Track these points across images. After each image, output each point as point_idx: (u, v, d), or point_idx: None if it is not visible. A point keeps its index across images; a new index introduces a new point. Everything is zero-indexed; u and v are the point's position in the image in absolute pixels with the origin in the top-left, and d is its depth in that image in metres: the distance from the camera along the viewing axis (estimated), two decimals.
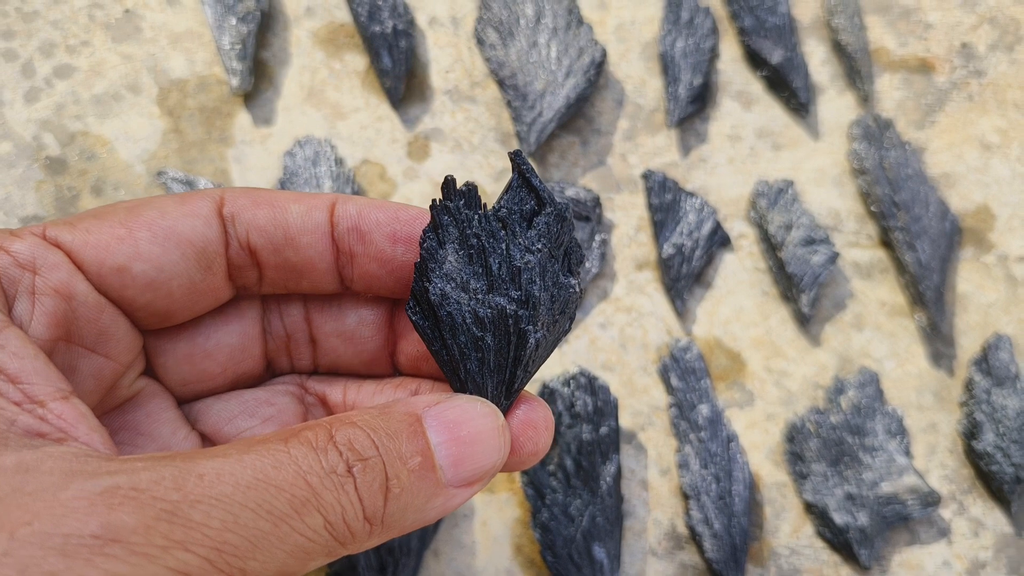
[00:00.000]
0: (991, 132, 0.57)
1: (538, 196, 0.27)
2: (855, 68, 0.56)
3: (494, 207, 0.27)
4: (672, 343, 0.50)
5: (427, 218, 0.27)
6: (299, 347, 0.30)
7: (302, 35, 0.54)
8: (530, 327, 0.26)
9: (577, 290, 0.27)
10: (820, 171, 0.55)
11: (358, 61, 0.54)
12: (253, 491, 0.20)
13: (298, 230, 0.27)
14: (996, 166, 0.56)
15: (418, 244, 0.27)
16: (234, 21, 0.49)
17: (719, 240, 0.52)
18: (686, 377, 0.49)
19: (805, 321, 0.51)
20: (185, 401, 0.30)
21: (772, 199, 0.53)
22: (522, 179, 0.27)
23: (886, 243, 0.54)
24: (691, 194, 0.52)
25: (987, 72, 0.59)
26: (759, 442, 0.49)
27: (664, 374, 0.49)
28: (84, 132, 0.51)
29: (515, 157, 0.27)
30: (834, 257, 0.51)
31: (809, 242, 0.52)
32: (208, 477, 0.20)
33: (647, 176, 0.52)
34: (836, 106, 0.57)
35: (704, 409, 0.48)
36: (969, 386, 0.51)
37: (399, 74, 0.51)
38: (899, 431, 0.49)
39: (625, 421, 0.49)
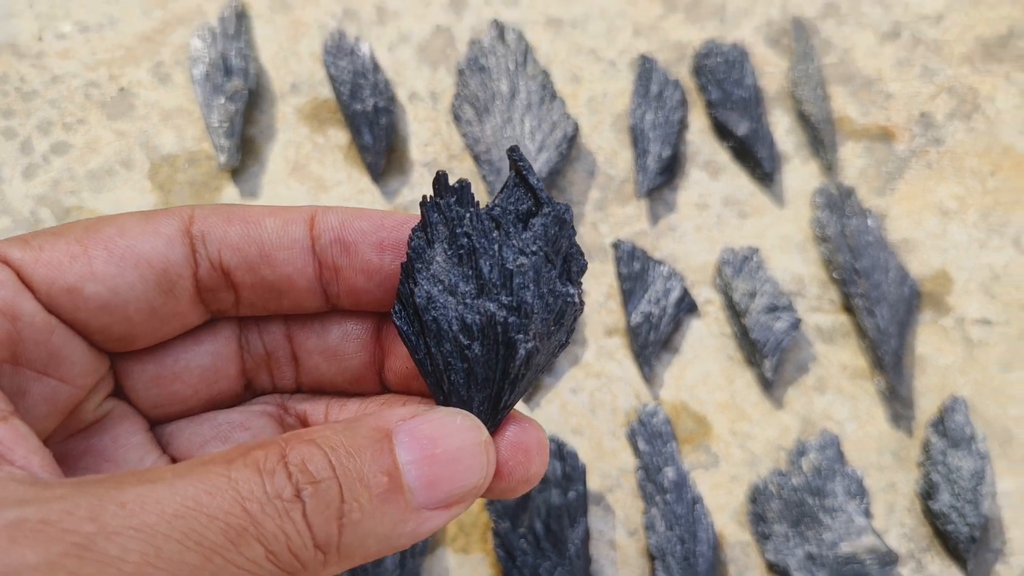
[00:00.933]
0: (949, 198, 0.60)
1: (536, 196, 0.25)
2: (818, 138, 0.59)
3: (488, 206, 0.25)
4: (640, 408, 0.53)
5: (414, 224, 0.26)
6: (280, 365, 0.29)
7: (287, 111, 0.57)
8: (520, 336, 0.24)
9: (576, 300, 0.25)
10: (784, 238, 0.58)
11: (341, 136, 0.57)
12: (180, 520, 0.19)
13: (274, 246, 0.26)
14: (954, 231, 0.59)
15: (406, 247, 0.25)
16: (222, 100, 0.52)
17: (686, 307, 0.55)
18: (653, 441, 0.51)
19: (768, 385, 0.53)
20: (159, 423, 0.28)
21: (737, 267, 0.55)
22: (519, 177, 0.25)
23: (848, 308, 0.56)
24: (659, 262, 0.55)
25: (945, 140, 0.62)
26: (723, 503, 0.52)
27: (632, 438, 0.52)
28: (79, 207, 0.53)
29: (512, 154, 0.25)
30: (796, 323, 0.54)
31: (772, 309, 0.54)
32: (130, 505, 0.19)
33: (616, 246, 0.55)
34: (800, 174, 0.59)
35: (670, 472, 0.51)
36: (926, 447, 0.53)
37: (379, 150, 0.54)
38: (859, 492, 0.52)
39: (594, 483, 0.51)
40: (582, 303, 0.25)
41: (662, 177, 0.57)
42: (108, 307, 0.24)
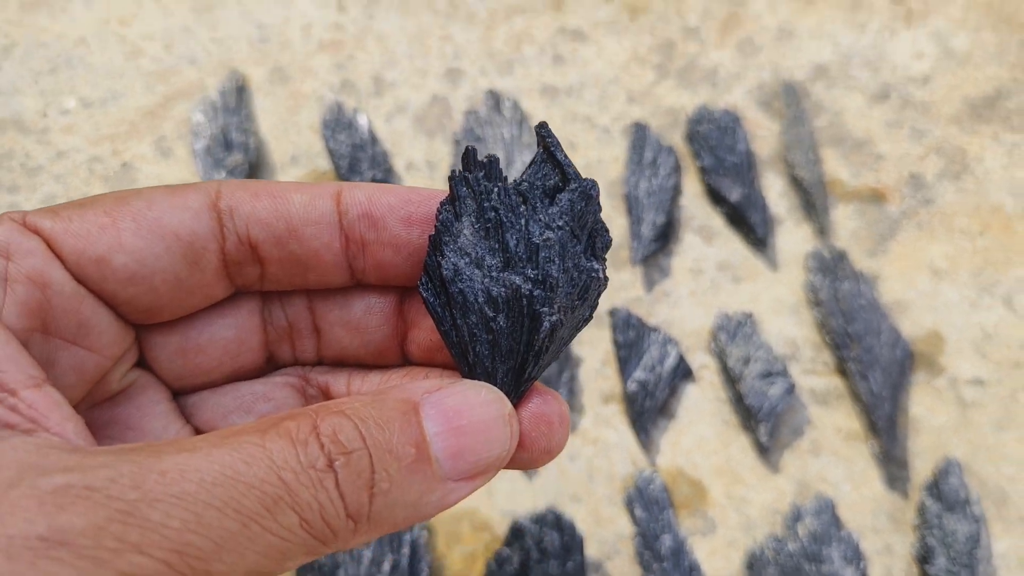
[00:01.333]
0: (940, 258, 0.61)
1: (563, 171, 0.25)
2: (811, 201, 0.60)
3: (515, 181, 0.26)
4: (636, 475, 0.53)
5: (440, 198, 0.26)
6: (302, 338, 0.29)
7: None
8: (545, 309, 0.24)
9: (600, 275, 0.25)
10: (778, 301, 0.59)
11: None
12: (219, 488, 0.19)
13: (302, 220, 0.26)
14: (945, 291, 0.60)
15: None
16: (223, 174, 0.53)
17: (682, 372, 0.55)
18: (650, 508, 0.52)
19: (764, 450, 0.54)
20: (182, 394, 0.29)
21: (731, 332, 0.56)
22: (547, 153, 0.26)
23: (841, 371, 0.57)
24: (654, 329, 0.56)
25: (935, 200, 0.63)
26: (720, 569, 0.52)
27: (629, 505, 0.53)
28: None
29: (540, 130, 0.26)
30: (791, 389, 0.55)
31: (767, 375, 0.55)
32: (171, 474, 0.19)
33: (612, 313, 0.56)
34: (793, 237, 0.60)
35: (667, 540, 0.51)
36: (921, 511, 0.54)
37: None
38: (855, 556, 0.52)
39: (592, 550, 0.52)
40: (606, 278, 0.26)
41: (657, 244, 0.58)
42: (135, 278, 0.25)
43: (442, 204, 0.25)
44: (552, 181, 0.25)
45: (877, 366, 0.56)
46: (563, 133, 0.61)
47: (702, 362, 0.57)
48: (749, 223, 0.59)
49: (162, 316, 0.26)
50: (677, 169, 0.60)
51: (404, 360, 0.29)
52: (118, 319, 0.26)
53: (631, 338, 0.56)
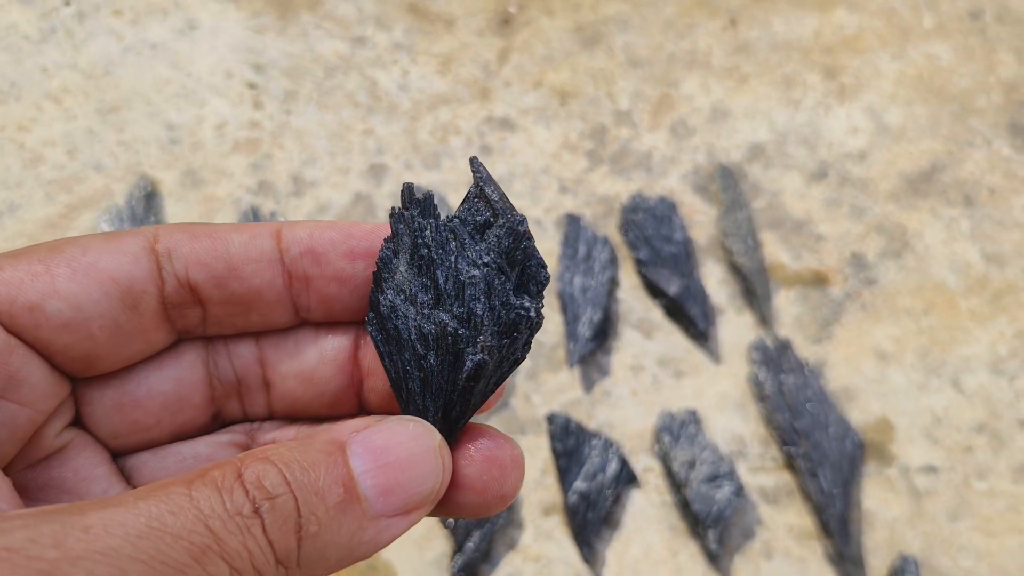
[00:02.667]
0: (886, 340, 0.60)
1: (492, 207, 0.25)
2: (751, 289, 0.59)
3: (448, 217, 0.26)
4: None
5: (382, 232, 0.27)
6: (251, 392, 0.28)
7: None
8: (468, 348, 0.24)
9: (531, 313, 0.25)
10: (723, 396, 0.57)
11: None
12: (145, 541, 0.19)
13: (242, 259, 0.26)
14: (892, 375, 0.59)
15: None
16: None
17: (625, 478, 0.53)
18: None
19: (714, 557, 0.52)
20: (122, 454, 0.28)
21: (675, 434, 0.54)
22: (478, 188, 0.26)
23: (791, 466, 0.55)
24: (595, 434, 0.54)
25: (878, 280, 0.62)
26: None
27: None
28: None
29: (473, 164, 0.26)
30: (739, 491, 0.53)
31: (713, 478, 0.53)
32: (94, 530, 0.19)
33: (550, 420, 0.54)
34: (736, 327, 0.59)
35: None
36: None
37: None
38: None
39: None
40: (539, 316, 0.25)
41: (594, 343, 0.56)
42: (71, 325, 0.24)
43: (384, 241, 0.26)
44: (483, 217, 0.26)
45: (827, 463, 0.55)
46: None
47: (646, 464, 0.55)
48: (689, 316, 0.58)
49: (99, 366, 0.26)
50: (613, 261, 0.59)
51: (361, 410, 0.29)
52: (52, 370, 0.25)
53: (570, 446, 0.53)
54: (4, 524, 0.19)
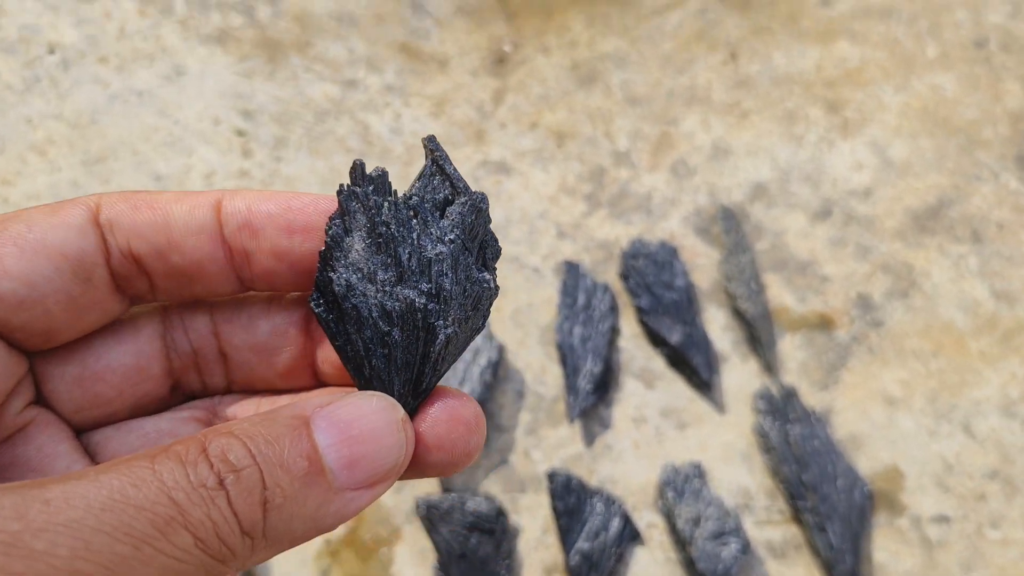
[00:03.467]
0: (894, 384, 0.59)
1: (452, 184, 0.26)
2: (756, 335, 0.58)
3: (405, 195, 0.26)
4: None
5: (322, 205, 0.27)
6: (209, 364, 0.29)
7: None
8: (440, 322, 0.25)
9: (491, 285, 0.26)
10: (727, 446, 0.56)
11: None
12: (108, 513, 0.19)
13: (182, 232, 0.26)
14: (901, 421, 0.58)
15: (319, 232, 0.26)
16: None
17: (628, 536, 0.52)
18: None
19: None
20: (85, 429, 0.28)
21: (679, 489, 0.53)
22: (436, 166, 0.26)
23: (798, 519, 0.54)
24: (596, 491, 0.52)
25: (885, 321, 0.61)
26: None
27: None
28: None
29: (428, 143, 0.26)
30: (745, 547, 0.52)
31: (718, 535, 0.52)
32: (56, 502, 0.19)
33: (551, 477, 0.52)
34: (740, 374, 0.58)
35: None
36: None
37: None
38: None
39: None
40: (497, 288, 0.27)
41: (595, 396, 0.55)
42: (26, 303, 0.25)
43: (331, 219, 0.26)
44: (442, 194, 0.26)
45: (835, 516, 0.53)
46: None
47: (650, 520, 0.54)
48: (692, 365, 0.56)
49: (59, 338, 0.26)
50: (614, 309, 0.58)
51: (318, 381, 0.29)
52: (9, 349, 0.26)
53: (572, 504, 0.52)
54: None
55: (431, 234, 0.26)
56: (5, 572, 0.18)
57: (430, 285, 0.25)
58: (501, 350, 0.55)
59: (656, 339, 0.58)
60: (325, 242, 0.26)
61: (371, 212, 0.25)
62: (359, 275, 0.25)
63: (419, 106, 0.63)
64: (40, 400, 0.27)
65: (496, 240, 0.27)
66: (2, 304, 0.24)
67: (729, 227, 0.61)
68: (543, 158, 0.62)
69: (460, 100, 0.63)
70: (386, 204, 0.26)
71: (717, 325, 0.60)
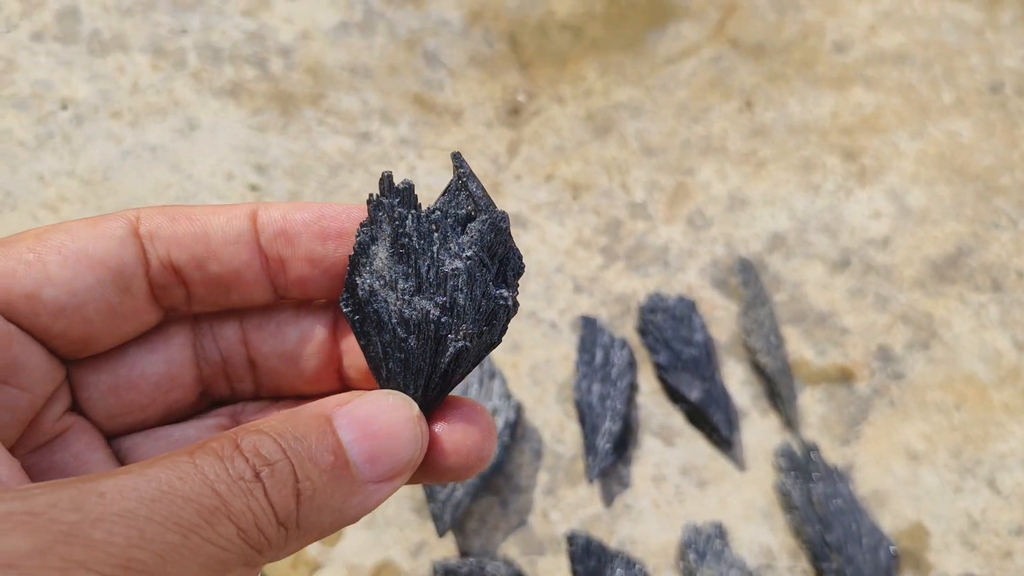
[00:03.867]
0: (916, 439, 0.58)
1: (475, 202, 0.27)
2: (776, 391, 0.57)
3: (429, 208, 0.27)
4: None
5: (354, 213, 0.28)
6: (237, 371, 0.30)
7: None
8: (451, 336, 0.26)
9: (509, 303, 0.27)
10: (749, 504, 0.55)
11: None
12: (159, 504, 0.20)
13: (220, 242, 0.27)
14: (925, 476, 0.57)
15: (351, 239, 0.27)
16: None
17: None
18: None
19: None
20: (115, 436, 0.29)
21: (700, 551, 0.52)
22: (460, 182, 0.27)
23: None
24: (617, 553, 0.51)
25: (906, 374, 0.60)
26: None
27: None
28: None
29: (455, 160, 0.28)
30: None
31: None
32: (110, 494, 0.20)
33: (571, 540, 0.51)
34: (760, 429, 0.57)
35: None
36: None
37: None
38: None
39: None
40: (516, 304, 0.27)
41: (614, 455, 0.54)
42: (67, 310, 0.26)
43: (361, 225, 0.27)
44: (464, 210, 0.27)
45: None
46: (507, 335, 0.57)
47: None
48: (712, 422, 0.55)
49: (96, 347, 0.27)
50: (632, 365, 0.57)
51: (343, 386, 0.31)
52: (49, 356, 0.27)
53: (592, 567, 0.51)
54: (23, 491, 0.20)
55: (450, 249, 0.26)
56: (66, 560, 0.19)
57: (445, 299, 0.26)
58: (519, 409, 0.54)
59: (675, 395, 0.57)
60: (354, 247, 0.27)
61: (395, 223, 0.27)
62: (382, 282, 0.27)
63: (433, 159, 0.62)
64: (75, 407, 0.29)
65: (520, 257, 0.28)
66: (45, 311, 0.26)
67: (747, 279, 0.61)
68: (559, 211, 0.62)
69: (475, 152, 0.63)
70: (410, 216, 0.27)
71: (736, 379, 0.59)
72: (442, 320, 0.26)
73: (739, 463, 0.57)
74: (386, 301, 0.26)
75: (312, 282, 0.28)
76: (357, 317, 0.27)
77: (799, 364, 0.60)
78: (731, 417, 0.57)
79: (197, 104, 0.61)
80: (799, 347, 0.61)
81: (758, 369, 0.59)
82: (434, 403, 0.27)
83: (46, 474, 0.27)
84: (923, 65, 0.71)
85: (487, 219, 0.27)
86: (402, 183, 0.27)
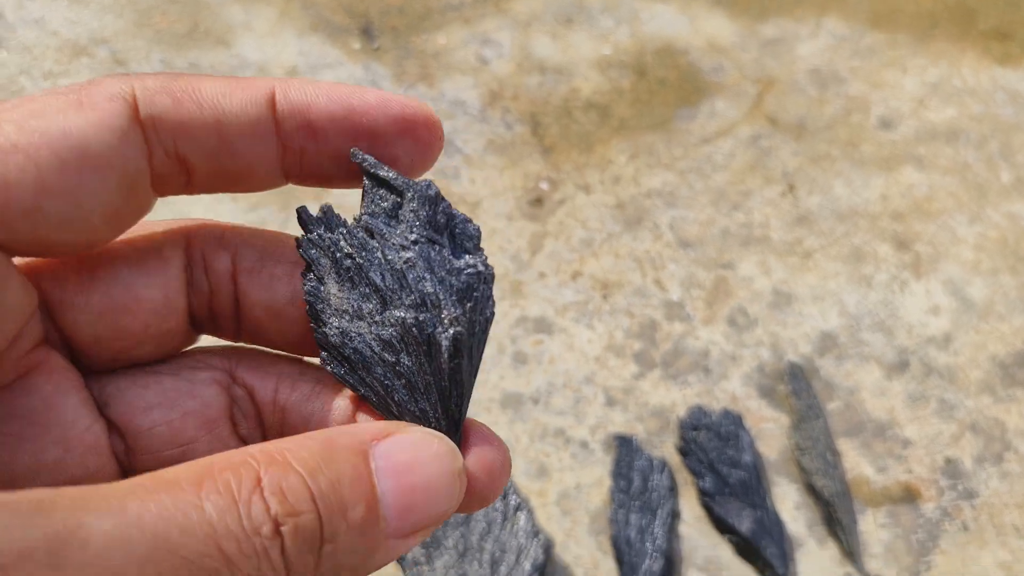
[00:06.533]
0: (996, 570, 0.51)
1: (392, 187, 0.25)
2: (834, 516, 0.51)
3: (355, 218, 0.25)
4: None
5: (393, 109, 0.25)
6: (223, 308, 0.28)
7: None
8: (438, 329, 0.24)
9: (479, 267, 0.24)
10: None
11: None
12: (151, 566, 0.18)
13: (235, 132, 0.24)
14: None
15: (384, 137, 0.25)
16: None
17: None
18: None
19: None
20: (97, 371, 0.26)
21: None
22: (370, 177, 0.25)
23: None
24: None
25: (979, 492, 0.54)
26: None
27: None
28: None
29: (354, 157, 0.25)
30: None
31: None
32: (94, 546, 0.18)
33: None
34: (818, 561, 0.51)
35: None
36: None
37: None
38: None
39: None
40: (487, 267, 0.25)
41: None
42: (70, 221, 0.23)
43: (303, 275, 0.25)
44: (389, 202, 0.25)
45: None
46: (532, 455, 0.52)
47: None
48: (765, 557, 0.49)
49: (95, 246, 0.25)
50: (672, 490, 0.51)
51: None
52: (25, 282, 0.24)
53: None
54: None
55: (393, 245, 0.25)
56: None
57: (413, 295, 0.24)
58: (548, 547, 0.48)
59: (722, 526, 0.50)
60: (305, 300, 0.25)
61: (331, 251, 0.25)
62: (347, 317, 0.25)
63: None
64: (48, 338, 0.25)
65: (466, 219, 0.25)
66: (46, 225, 0.23)
67: (798, 389, 0.55)
68: (588, 312, 0.56)
69: (494, 248, 0.57)
70: (341, 236, 0.25)
71: (790, 503, 0.52)
72: (420, 319, 0.24)
73: None
74: (360, 334, 0.25)
75: (330, 175, 0.26)
76: (344, 370, 0.25)
77: (858, 482, 0.54)
78: (786, 549, 0.51)
79: (191, 199, 0.56)
80: (857, 463, 0.54)
81: (814, 492, 0.52)
82: (459, 418, 0.25)
83: (7, 421, 0.24)
84: (977, 142, 0.66)
85: (412, 195, 0.25)
86: (320, 209, 0.25)
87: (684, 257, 0.59)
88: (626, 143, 0.63)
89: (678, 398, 0.54)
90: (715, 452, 0.52)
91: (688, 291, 0.58)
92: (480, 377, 0.53)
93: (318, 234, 0.25)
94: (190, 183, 0.26)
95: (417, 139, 0.26)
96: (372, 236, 0.25)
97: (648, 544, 0.49)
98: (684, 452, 0.52)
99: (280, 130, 0.25)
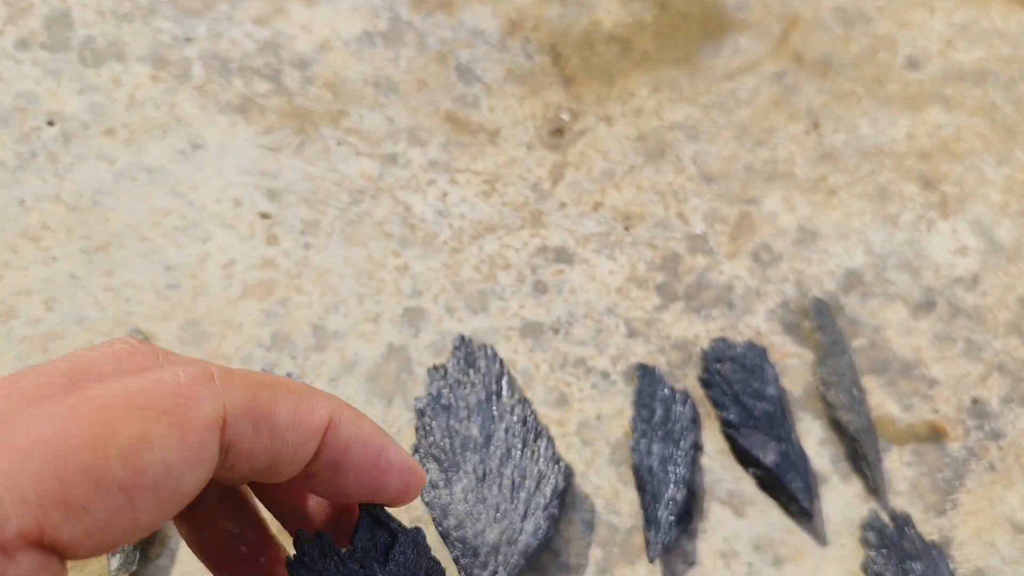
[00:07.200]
0: (1022, 509, 0.50)
1: (389, 529, 0.28)
2: (859, 451, 0.50)
3: (348, 548, 0.28)
4: None
5: (414, 482, 0.29)
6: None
7: None
8: None
9: None
10: None
11: None
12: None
13: (286, 460, 0.26)
14: None
15: (397, 500, 0.29)
16: None
17: None
18: None
19: None
20: None
21: None
22: (370, 516, 0.29)
23: None
24: None
25: (1005, 432, 0.53)
26: None
27: None
28: None
29: (363, 510, 0.29)
30: None
31: None
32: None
33: None
34: (842, 496, 0.49)
35: None
36: None
37: None
38: None
39: None
40: None
41: (678, 527, 0.46)
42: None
43: None
44: (382, 539, 0.28)
45: None
46: (552, 383, 0.50)
47: None
48: (790, 491, 0.48)
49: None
50: (695, 421, 0.49)
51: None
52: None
53: None
54: None
55: None
56: None
57: None
58: (569, 475, 0.46)
59: (746, 458, 0.49)
60: None
61: None
62: None
63: (467, 184, 0.55)
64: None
65: (439, 565, 0.29)
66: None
67: (823, 324, 0.53)
68: (609, 243, 0.54)
69: (514, 177, 0.56)
70: (332, 564, 0.27)
71: (814, 439, 0.51)
72: None
73: (820, 537, 0.49)
74: None
75: (329, 494, 0.28)
76: None
77: (883, 420, 0.53)
78: (810, 484, 0.49)
79: (202, 121, 0.54)
80: (882, 401, 0.53)
81: (838, 427, 0.51)
82: None
83: None
84: (1006, 83, 0.64)
85: (405, 540, 0.28)
86: (315, 534, 0.28)
87: (707, 191, 0.57)
88: (648, 76, 0.61)
89: (701, 331, 0.53)
90: (740, 384, 0.50)
91: (711, 225, 0.56)
92: (499, 305, 0.52)
93: (312, 558, 0.27)
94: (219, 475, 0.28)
95: (406, 497, 0.28)
96: (362, 568, 0.28)
97: (671, 473, 0.48)
98: (707, 384, 0.51)
99: (320, 456, 0.27)
